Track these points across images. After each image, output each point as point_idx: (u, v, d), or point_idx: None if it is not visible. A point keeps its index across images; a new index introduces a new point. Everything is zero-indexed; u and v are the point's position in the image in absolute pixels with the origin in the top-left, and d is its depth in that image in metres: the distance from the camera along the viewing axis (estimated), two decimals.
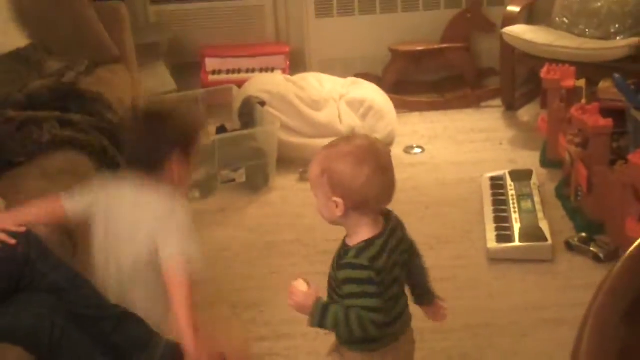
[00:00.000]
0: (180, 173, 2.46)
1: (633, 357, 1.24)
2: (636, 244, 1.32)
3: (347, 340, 2.01)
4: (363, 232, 1.95)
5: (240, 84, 4.42)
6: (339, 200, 1.91)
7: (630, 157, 3.05)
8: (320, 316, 1.92)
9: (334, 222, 1.98)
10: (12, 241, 2.27)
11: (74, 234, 2.66)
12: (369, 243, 1.93)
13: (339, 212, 1.92)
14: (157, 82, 4.71)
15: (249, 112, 4.10)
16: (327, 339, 2.77)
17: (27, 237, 2.30)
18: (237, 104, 4.21)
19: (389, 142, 4.33)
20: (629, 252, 1.30)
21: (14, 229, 2.31)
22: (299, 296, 1.94)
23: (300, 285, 1.95)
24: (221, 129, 4.15)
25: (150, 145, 2.42)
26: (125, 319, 2.37)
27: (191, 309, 2.30)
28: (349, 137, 2.02)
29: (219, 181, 3.84)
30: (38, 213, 2.49)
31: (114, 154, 3.13)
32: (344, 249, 1.97)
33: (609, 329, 1.19)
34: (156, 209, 2.41)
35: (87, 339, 2.28)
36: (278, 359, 2.74)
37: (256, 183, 3.92)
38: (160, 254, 2.35)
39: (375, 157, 1.92)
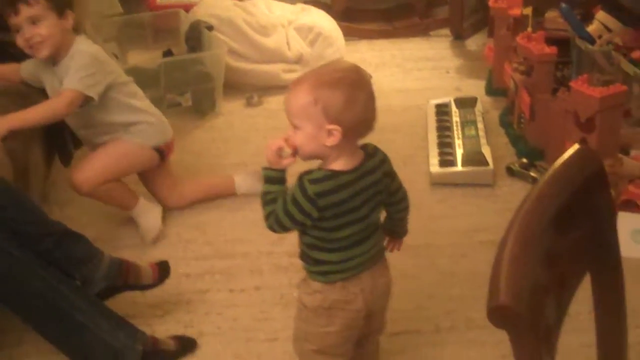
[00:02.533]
0: None
1: (559, 263, 1.28)
2: (566, 154, 1.34)
3: (308, 270, 2.00)
4: (338, 162, 1.88)
5: (187, 9, 4.36)
6: (336, 127, 1.82)
7: (572, 83, 3.09)
8: (265, 182, 1.91)
9: (315, 154, 1.88)
10: None
11: (14, 153, 2.64)
12: (333, 174, 1.87)
13: (332, 141, 1.82)
14: (102, 5, 4.61)
15: (197, 37, 4.05)
16: (268, 258, 2.83)
17: None
18: (184, 28, 4.17)
19: None
20: (558, 161, 1.32)
21: None
22: (273, 153, 1.88)
23: (285, 150, 1.87)
24: (168, 53, 4.11)
25: None
26: (67, 235, 2.38)
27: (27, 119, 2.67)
28: (332, 63, 1.96)
29: (164, 105, 3.80)
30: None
31: None
32: (314, 168, 1.90)
33: (534, 234, 1.22)
34: None
35: (28, 256, 2.27)
36: (219, 277, 2.77)
37: (203, 107, 3.90)
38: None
39: (366, 82, 1.89)
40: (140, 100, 3.00)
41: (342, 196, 1.88)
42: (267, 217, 1.92)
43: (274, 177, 1.92)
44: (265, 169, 1.91)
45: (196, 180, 3.27)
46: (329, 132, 1.83)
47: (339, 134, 1.82)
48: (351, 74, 1.88)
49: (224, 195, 3.21)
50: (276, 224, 1.91)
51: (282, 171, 1.91)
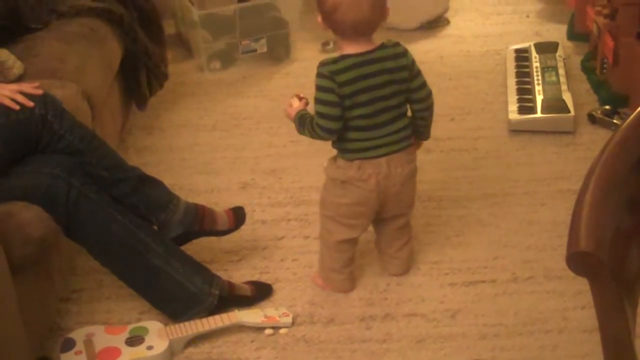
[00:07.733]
0: None
1: None
2: None
3: (336, 148, 2.31)
4: (344, 50, 2.21)
5: None
6: (320, 22, 2.22)
7: None
8: (297, 123, 2.31)
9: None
10: (30, 103, 2.26)
11: (92, 99, 2.67)
12: (340, 58, 2.19)
13: (322, 28, 2.23)
14: None
15: None
16: None
17: (44, 99, 2.30)
18: None
19: None
20: None
21: (31, 91, 2.31)
22: (290, 109, 2.34)
23: (294, 102, 2.34)
24: None
25: None
26: (143, 181, 2.40)
27: None
28: None
29: (240, 51, 3.80)
30: None
31: (130, 21, 3.10)
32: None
33: (617, 179, 1.18)
34: None
35: (106, 200, 2.30)
36: (294, 223, 2.77)
37: (278, 53, 3.88)
38: None
39: None
40: None
41: (352, 75, 2.17)
42: (311, 127, 2.24)
43: (297, 119, 2.31)
44: (294, 123, 2.33)
45: None
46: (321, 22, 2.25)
47: (321, 24, 2.22)
48: None
49: None
50: (318, 125, 2.21)
51: (298, 112, 2.31)
